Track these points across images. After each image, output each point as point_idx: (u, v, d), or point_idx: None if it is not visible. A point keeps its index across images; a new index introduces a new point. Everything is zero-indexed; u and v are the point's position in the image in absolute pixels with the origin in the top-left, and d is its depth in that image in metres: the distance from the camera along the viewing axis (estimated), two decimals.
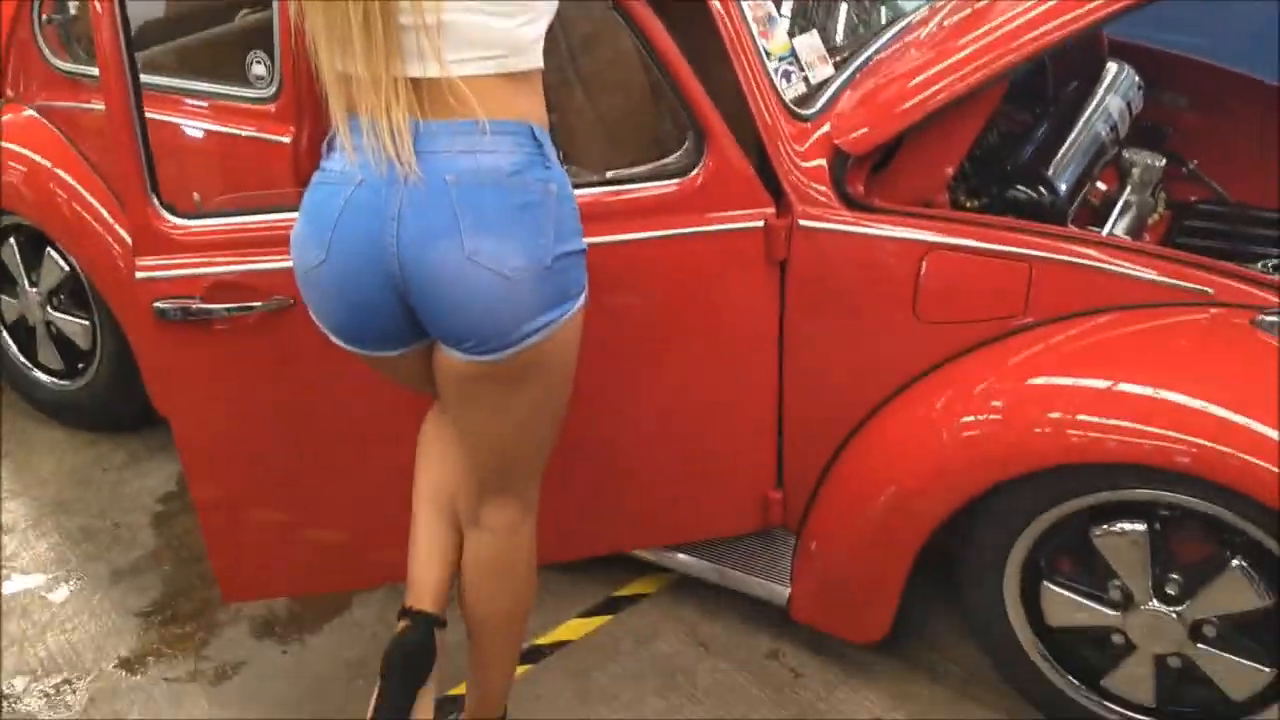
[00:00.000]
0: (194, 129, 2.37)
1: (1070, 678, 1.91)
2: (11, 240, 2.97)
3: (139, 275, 1.79)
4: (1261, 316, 1.66)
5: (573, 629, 2.29)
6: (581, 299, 1.56)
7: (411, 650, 1.70)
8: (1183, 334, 1.71)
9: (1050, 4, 1.84)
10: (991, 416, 1.81)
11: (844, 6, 2.34)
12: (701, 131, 1.87)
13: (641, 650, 2.22)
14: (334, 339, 1.60)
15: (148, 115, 2.18)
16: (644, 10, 1.83)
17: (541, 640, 2.26)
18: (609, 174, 1.98)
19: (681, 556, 2.24)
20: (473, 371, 1.53)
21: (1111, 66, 2.41)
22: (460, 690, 1.84)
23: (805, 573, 2.09)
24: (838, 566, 2.03)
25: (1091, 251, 1.78)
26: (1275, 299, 1.70)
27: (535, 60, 1.51)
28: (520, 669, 2.15)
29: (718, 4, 1.89)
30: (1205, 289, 1.72)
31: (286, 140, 2.21)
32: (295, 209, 1.82)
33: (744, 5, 1.91)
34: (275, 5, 2.17)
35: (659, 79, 1.89)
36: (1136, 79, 2.40)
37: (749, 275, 1.94)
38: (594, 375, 1.76)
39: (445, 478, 1.77)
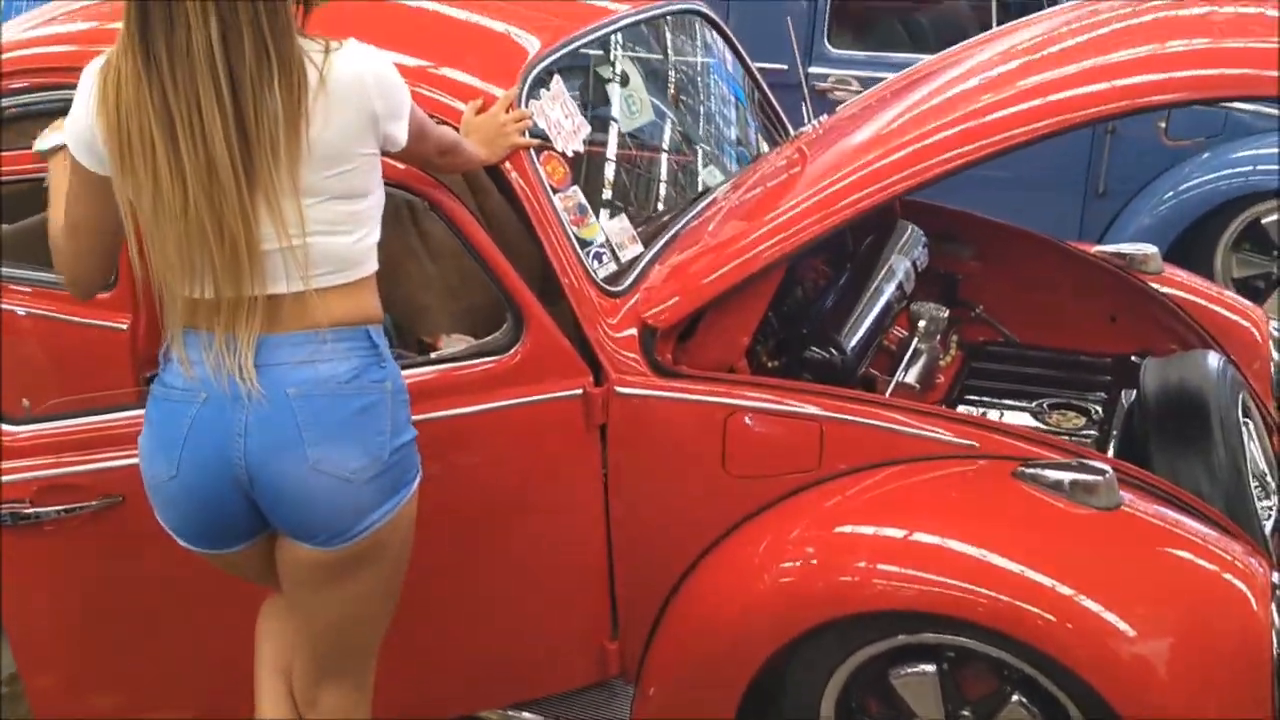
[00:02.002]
0: (33, 316, 2.41)
1: None
2: None
3: None
4: (1021, 468, 1.86)
5: None
6: (416, 482, 1.69)
7: None
8: (953, 486, 1.89)
9: (837, 188, 2.04)
10: (806, 563, 1.96)
11: (651, 185, 2.54)
12: (519, 314, 2.01)
13: None
14: (179, 541, 1.67)
15: None
16: (459, 209, 1.98)
17: None
18: (434, 355, 2.11)
19: (525, 715, 2.29)
20: (315, 560, 1.63)
21: (900, 227, 2.65)
22: None
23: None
24: (671, 711, 2.13)
25: (871, 410, 1.96)
26: (1032, 450, 1.90)
27: (371, 266, 1.65)
28: None
29: (527, 195, 2.05)
30: (972, 443, 1.91)
31: (124, 326, 2.28)
32: (118, 409, 1.90)
33: (555, 199, 2.08)
34: None
35: None
36: (923, 237, 2.65)
37: (572, 439, 2.06)
38: (429, 544, 1.85)
39: (287, 654, 1.82)
